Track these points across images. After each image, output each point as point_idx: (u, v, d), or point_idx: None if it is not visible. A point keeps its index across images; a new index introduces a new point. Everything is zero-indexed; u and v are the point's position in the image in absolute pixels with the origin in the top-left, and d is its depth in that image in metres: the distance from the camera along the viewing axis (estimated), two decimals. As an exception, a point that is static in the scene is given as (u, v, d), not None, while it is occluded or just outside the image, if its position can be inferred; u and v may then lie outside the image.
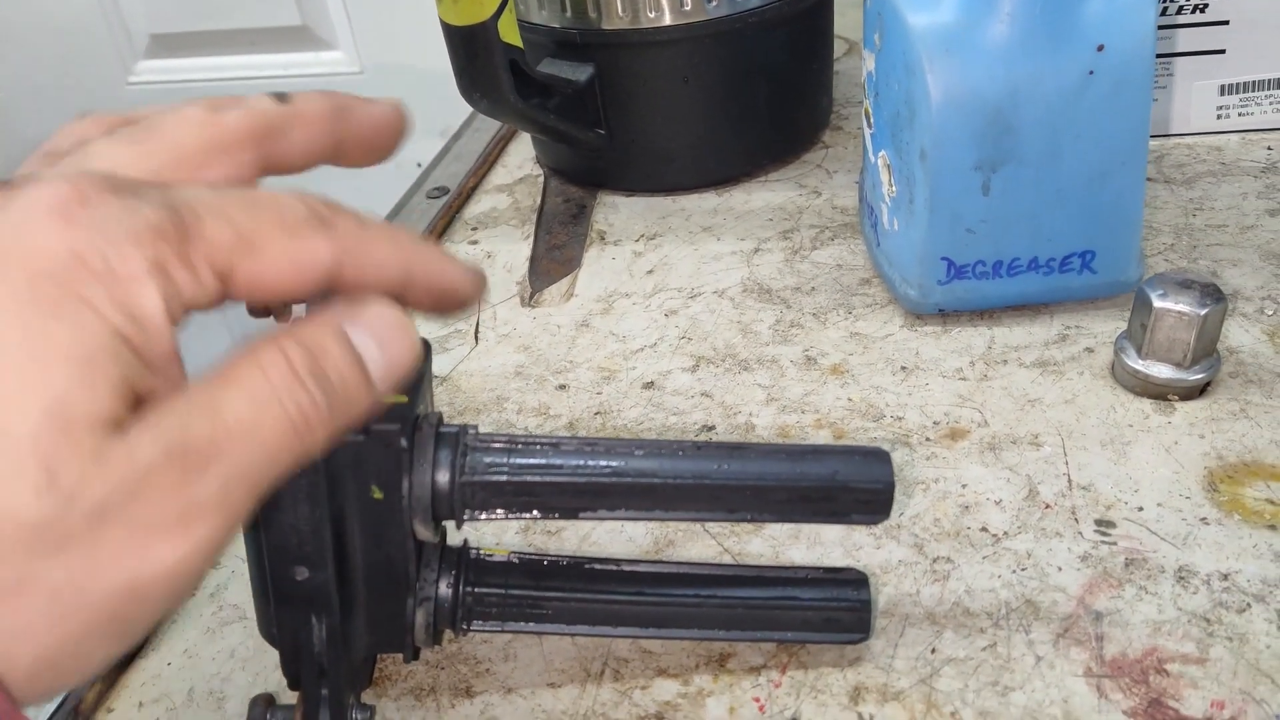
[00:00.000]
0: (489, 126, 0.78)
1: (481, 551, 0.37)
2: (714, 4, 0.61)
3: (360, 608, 0.33)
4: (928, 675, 0.37)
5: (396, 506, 0.32)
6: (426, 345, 0.35)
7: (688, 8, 0.61)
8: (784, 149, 0.69)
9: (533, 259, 0.63)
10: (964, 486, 0.45)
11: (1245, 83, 0.64)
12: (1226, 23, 0.63)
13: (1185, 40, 0.64)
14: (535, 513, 0.34)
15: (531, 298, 0.60)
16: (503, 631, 0.38)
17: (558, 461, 0.33)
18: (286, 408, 0.26)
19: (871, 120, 0.55)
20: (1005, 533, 0.42)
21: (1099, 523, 0.42)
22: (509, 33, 0.59)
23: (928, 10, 0.48)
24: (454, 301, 0.32)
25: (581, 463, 0.33)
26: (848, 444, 0.36)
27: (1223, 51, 0.64)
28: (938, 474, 0.45)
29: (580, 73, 0.63)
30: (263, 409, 0.26)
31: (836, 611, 0.37)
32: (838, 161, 0.69)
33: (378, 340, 0.28)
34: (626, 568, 0.37)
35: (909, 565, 0.41)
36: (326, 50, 1.24)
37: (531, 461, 0.33)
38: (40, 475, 0.23)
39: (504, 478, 0.33)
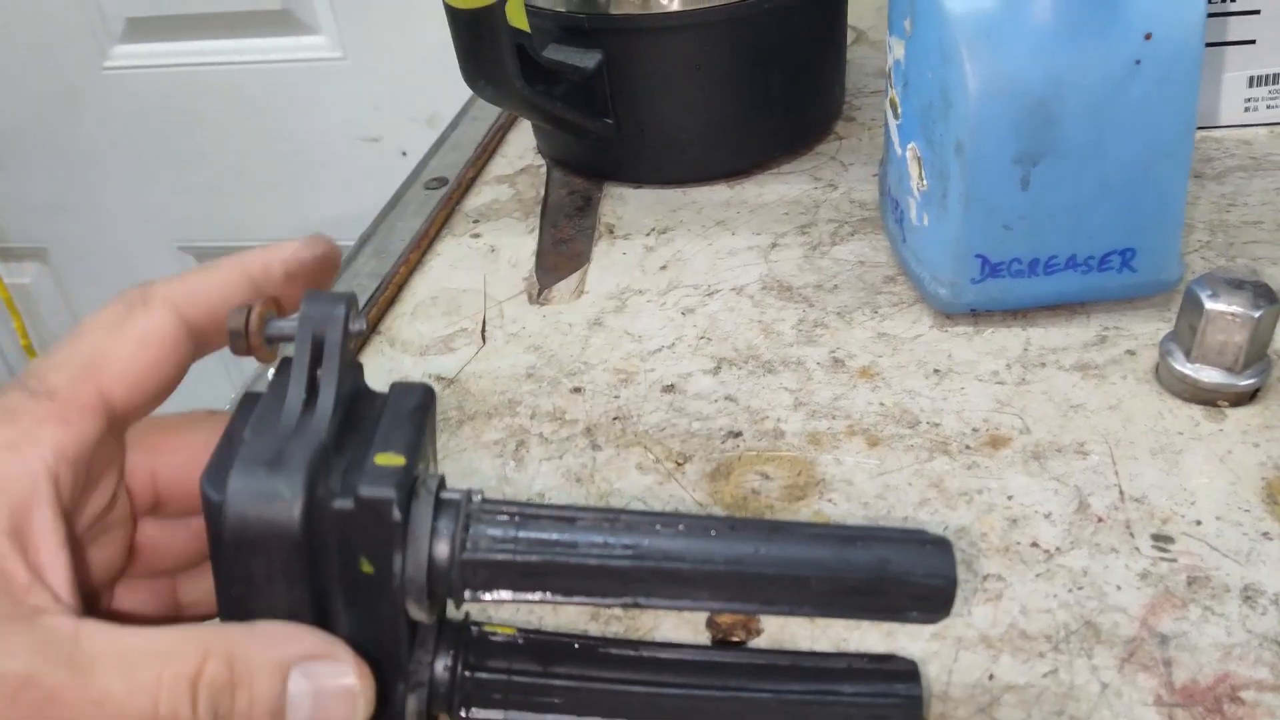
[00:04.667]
0: (486, 115, 0.76)
1: (484, 629, 0.33)
2: (729, -12, 0.59)
3: None
4: (987, 704, 0.35)
5: (388, 583, 0.28)
6: (430, 392, 0.31)
7: (702, -9, 0.59)
8: (796, 140, 0.67)
9: (539, 254, 0.61)
10: (1010, 498, 0.42)
11: (1276, 74, 0.62)
12: (1258, 12, 0.61)
13: (1214, 30, 0.61)
14: (544, 594, 0.30)
15: (540, 294, 0.57)
16: None
17: (571, 539, 0.30)
18: (160, 712, 0.24)
19: (899, 111, 0.52)
20: (1057, 548, 0.40)
21: (1156, 538, 0.40)
22: (516, 16, 0.56)
23: (967, -5, 0.45)
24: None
25: (600, 540, 0.30)
26: (903, 529, 0.33)
27: (1253, 42, 0.62)
28: (981, 484, 0.43)
29: (588, 59, 0.61)
30: (135, 698, 0.24)
31: (883, 709, 0.33)
32: (852, 153, 0.67)
33: (315, 700, 0.26)
34: (645, 653, 0.33)
35: (960, 585, 0.39)
36: (308, 35, 1.20)
37: (542, 537, 0.30)
38: None
39: (510, 556, 0.29)
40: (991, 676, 0.36)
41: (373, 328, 0.57)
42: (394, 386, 0.31)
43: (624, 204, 0.65)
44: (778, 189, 0.64)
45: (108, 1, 1.20)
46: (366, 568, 0.28)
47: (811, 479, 0.44)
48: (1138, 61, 0.45)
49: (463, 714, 0.31)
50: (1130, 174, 0.47)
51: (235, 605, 0.28)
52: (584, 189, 0.66)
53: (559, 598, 0.30)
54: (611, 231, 0.62)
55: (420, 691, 0.30)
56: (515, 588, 0.30)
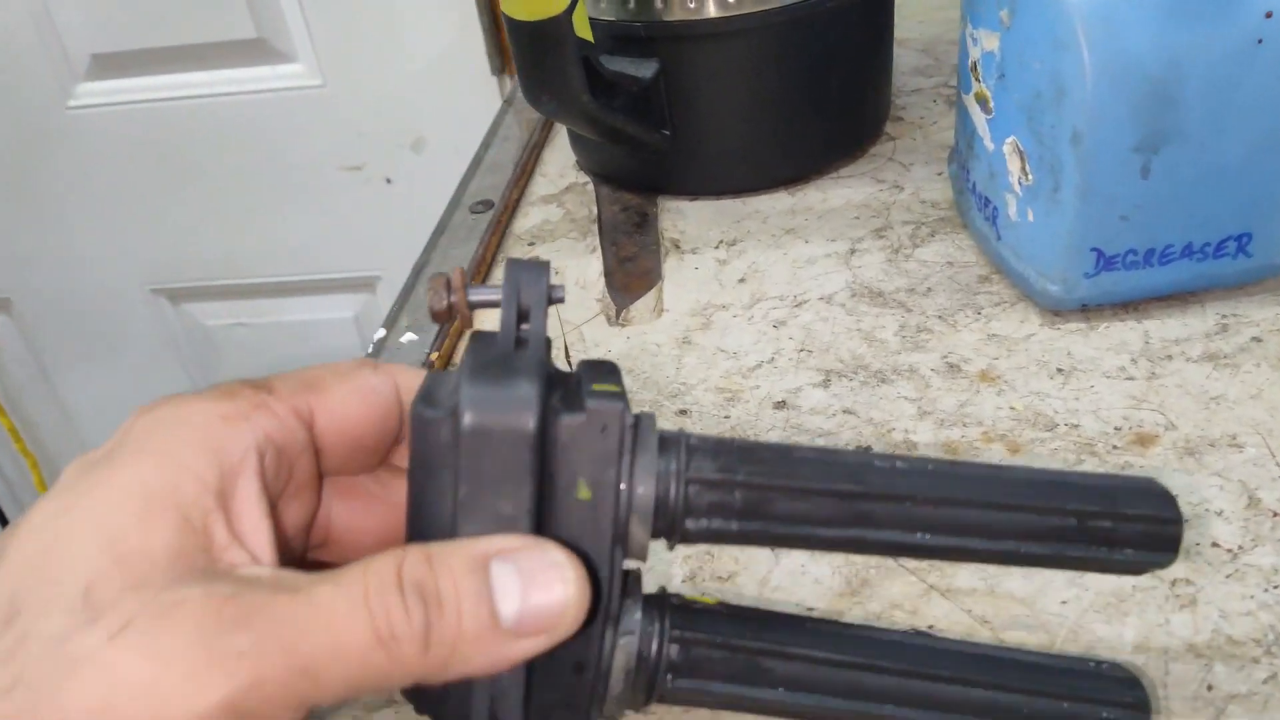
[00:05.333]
0: (516, 135, 0.73)
1: (686, 599, 0.31)
2: (790, -12, 0.57)
3: None
4: (1214, 717, 0.33)
5: (606, 510, 0.27)
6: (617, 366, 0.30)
7: (762, -7, 0.57)
8: (852, 143, 0.65)
9: (607, 273, 0.58)
10: (1175, 498, 0.40)
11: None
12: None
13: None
14: (767, 525, 0.28)
15: (619, 315, 0.55)
16: (713, 697, 0.31)
17: (792, 469, 0.28)
18: (372, 610, 0.23)
19: (991, 105, 0.51)
20: (1240, 547, 0.38)
21: (1337, 528, 0.38)
22: (581, 26, 0.53)
23: (1081, -21, 0.44)
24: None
25: (820, 464, 0.28)
26: (1121, 475, 0.31)
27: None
28: (1140, 485, 0.41)
29: (645, 69, 0.58)
30: (343, 594, 0.24)
31: (1113, 712, 0.30)
32: (909, 153, 0.65)
33: (524, 578, 0.25)
34: (854, 632, 0.31)
35: (1146, 591, 0.37)
36: (285, 63, 1.16)
37: (764, 465, 0.28)
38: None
39: (733, 476, 0.28)
40: (1210, 687, 0.34)
41: (447, 360, 0.54)
42: (582, 363, 0.30)
43: (684, 218, 0.62)
44: (842, 193, 0.62)
45: (71, 38, 1.15)
46: (583, 493, 0.27)
47: (958, 490, 0.42)
48: (1259, 40, 0.43)
49: (669, 679, 0.29)
50: (1250, 157, 0.45)
51: (459, 508, 0.26)
52: (637, 204, 0.64)
53: (782, 528, 0.29)
54: (678, 246, 0.60)
55: (629, 643, 0.28)
56: (739, 514, 0.28)
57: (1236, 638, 0.35)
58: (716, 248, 0.59)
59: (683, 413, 0.48)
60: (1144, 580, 0.37)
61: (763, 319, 0.53)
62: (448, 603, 0.24)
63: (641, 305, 0.55)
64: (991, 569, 0.38)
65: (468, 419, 0.26)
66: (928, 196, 0.60)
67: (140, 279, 1.31)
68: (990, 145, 0.52)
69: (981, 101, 0.52)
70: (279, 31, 1.14)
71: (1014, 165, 0.50)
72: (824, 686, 0.30)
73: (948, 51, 0.76)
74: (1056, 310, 0.50)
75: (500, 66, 1.13)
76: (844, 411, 0.47)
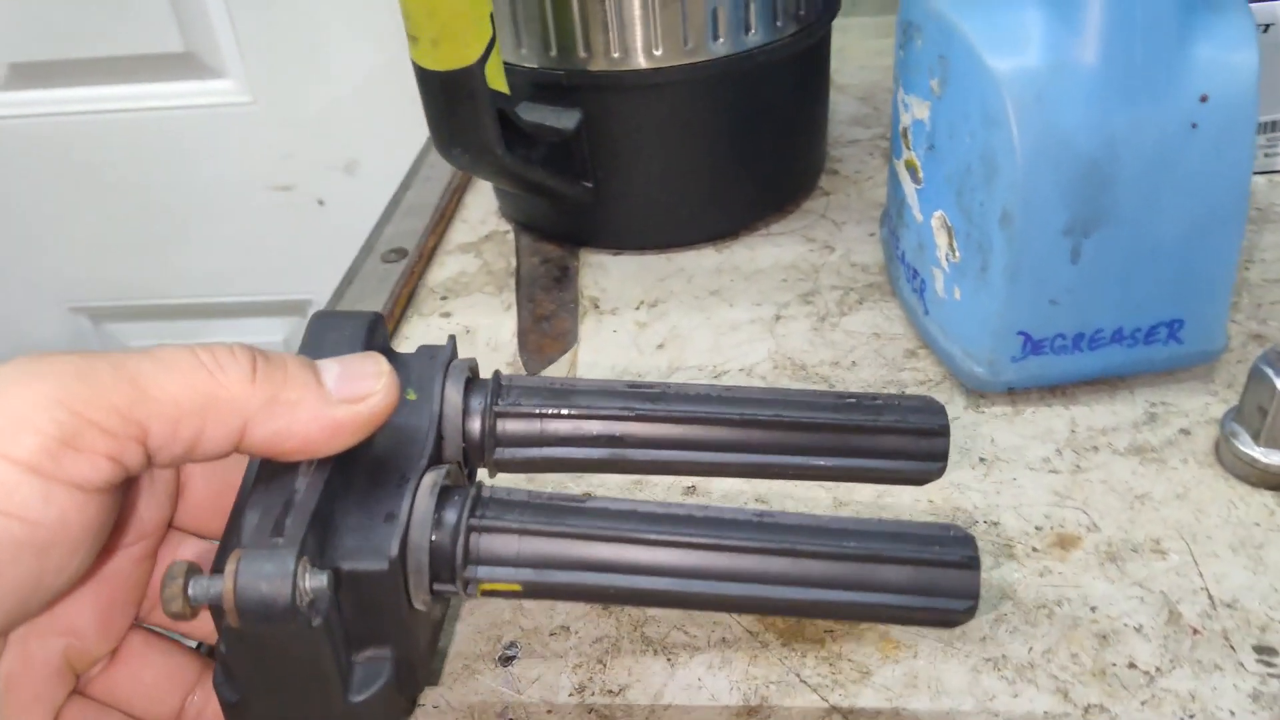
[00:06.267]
0: (438, 175, 0.70)
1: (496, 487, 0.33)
2: (719, 41, 0.54)
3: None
4: None
5: (428, 402, 0.33)
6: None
7: (689, 45, 0.54)
8: (785, 197, 0.63)
9: (520, 334, 0.55)
10: (1093, 610, 0.38)
11: (1271, 121, 0.60)
12: (1256, 58, 0.59)
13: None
14: (564, 408, 0.35)
15: (529, 382, 0.52)
16: (516, 573, 0.31)
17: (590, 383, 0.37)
18: (198, 353, 0.27)
19: (921, 175, 0.49)
20: (1157, 669, 0.36)
21: (1258, 649, 0.36)
22: (495, 78, 0.51)
23: (1012, 53, 0.42)
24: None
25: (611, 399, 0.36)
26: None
27: (1251, 88, 0.60)
28: (1059, 594, 0.39)
29: (567, 119, 0.56)
30: (172, 347, 0.27)
31: (939, 568, 0.32)
32: (842, 210, 0.63)
33: (342, 364, 0.29)
34: (673, 510, 0.33)
35: (1059, 719, 0.35)
36: (214, 79, 1.12)
37: (564, 378, 0.37)
38: None
39: (544, 382, 0.36)
40: (1122, 833, 0.32)
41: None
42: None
43: (606, 273, 0.60)
44: (770, 252, 0.60)
45: (-12, 46, 1.11)
46: (411, 395, 0.33)
47: (870, 594, 0.40)
48: (1194, 125, 0.42)
49: (473, 552, 0.31)
50: (1184, 242, 0.44)
51: None
52: (558, 257, 0.61)
53: (582, 411, 0.36)
54: (597, 306, 0.57)
55: (437, 472, 0.32)
56: (547, 394, 0.36)
57: (1151, 775, 0.33)
58: (637, 308, 0.56)
59: (585, 496, 0.45)
60: (1056, 706, 0.35)
61: (679, 390, 0.51)
62: (274, 358, 0.28)
63: (553, 372, 0.53)
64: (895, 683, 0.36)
65: (316, 314, 0.34)
66: (858, 259, 0.58)
67: (59, 297, 1.27)
68: (919, 216, 0.49)
69: (911, 170, 0.50)
70: (208, 45, 1.10)
71: (942, 240, 0.48)
72: (638, 567, 0.31)
73: (887, 100, 0.74)
74: (982, 392, 0.48)
75: (437, 90, 1.10)
76: (755, 499, 0.44)
